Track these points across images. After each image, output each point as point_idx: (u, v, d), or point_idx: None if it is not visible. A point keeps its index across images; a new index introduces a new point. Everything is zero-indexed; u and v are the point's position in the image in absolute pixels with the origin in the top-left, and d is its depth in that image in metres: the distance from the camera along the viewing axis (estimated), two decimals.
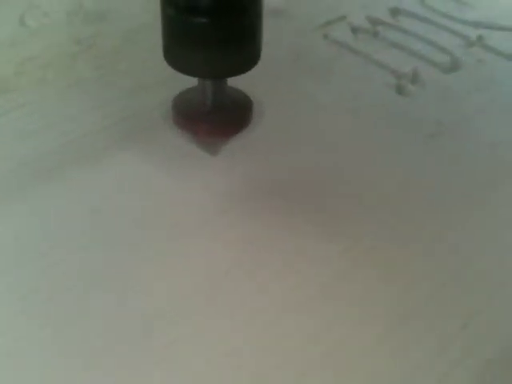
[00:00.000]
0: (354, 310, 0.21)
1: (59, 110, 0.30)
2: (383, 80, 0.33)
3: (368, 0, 0.41)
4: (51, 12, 0.38)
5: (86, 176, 0.26)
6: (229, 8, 0.22)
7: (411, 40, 0.37)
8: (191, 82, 0.28)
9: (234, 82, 0.27)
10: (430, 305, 0.22)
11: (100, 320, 0.21)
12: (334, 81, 0.33)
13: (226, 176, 0.26)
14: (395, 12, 0.40)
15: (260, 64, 0.26)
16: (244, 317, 0.21)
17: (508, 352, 0.20)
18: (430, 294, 0.22)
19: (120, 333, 0.20)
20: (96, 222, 0.24)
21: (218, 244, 0.24)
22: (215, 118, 0.26)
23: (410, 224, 0.25)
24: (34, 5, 0.39)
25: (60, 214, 0.25)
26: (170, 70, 0.32)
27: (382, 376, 0.20)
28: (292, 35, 0.37)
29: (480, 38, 0.38)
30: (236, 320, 0.21)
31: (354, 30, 0.38)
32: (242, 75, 0.25)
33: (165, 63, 0.33)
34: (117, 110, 0.30)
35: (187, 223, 0.24)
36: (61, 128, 0.29)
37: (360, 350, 0.20)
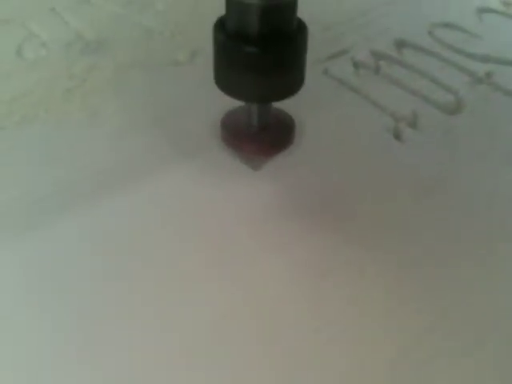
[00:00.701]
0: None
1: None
2: (381, 122, 0.32)
3: (373, 32, 0.40)
4: (50, 42, 0.38)
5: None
6: (277, 37, 0.23)
7: (414, 77, 0.36)
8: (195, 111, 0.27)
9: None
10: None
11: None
12: (330, 120, 0.32)
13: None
14: (401, 44, 0.39)
15: None
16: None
17: None
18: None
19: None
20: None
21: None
22: (261, 138, 0.28)
23: (404, 279, 0.24)
24: (33, 34, 0.39)
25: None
26: (159, 112, 0.32)
27: None
28: None
29: (488, 74, 0.36)
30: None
31: (356, 65, 0.37)
32: None
33: (157, 104, 0.33)
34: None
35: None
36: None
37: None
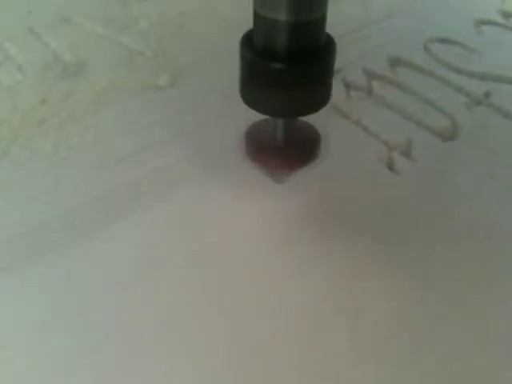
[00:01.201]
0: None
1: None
2: (374, 151, 0.30)
3: (369, 47, 0.38)
4: (26, 65, 0.36)
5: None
6: (304, 54, 0.23)
7: (408, 98, 0.34)
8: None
9: None
10: None
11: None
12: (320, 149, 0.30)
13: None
14: (395, 62, 0.37)
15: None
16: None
17: None
18: None
19: None
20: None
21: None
22: (286, 152, 0.28)
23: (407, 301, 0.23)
24: (9, 56, 0.37)
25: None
26: (134, 146, 0.30)
27: None
28: None
29: (487, 94, 0.34)
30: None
31: (347, 86, 0.35)
32: None
33: (134, 136, 0.31)
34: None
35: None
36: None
37: None
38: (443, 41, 0.40)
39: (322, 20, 0.23)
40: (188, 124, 0.32)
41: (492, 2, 0.45)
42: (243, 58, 0.24)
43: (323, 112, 0.33)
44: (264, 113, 0.25)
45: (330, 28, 0.41)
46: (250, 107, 0.25)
